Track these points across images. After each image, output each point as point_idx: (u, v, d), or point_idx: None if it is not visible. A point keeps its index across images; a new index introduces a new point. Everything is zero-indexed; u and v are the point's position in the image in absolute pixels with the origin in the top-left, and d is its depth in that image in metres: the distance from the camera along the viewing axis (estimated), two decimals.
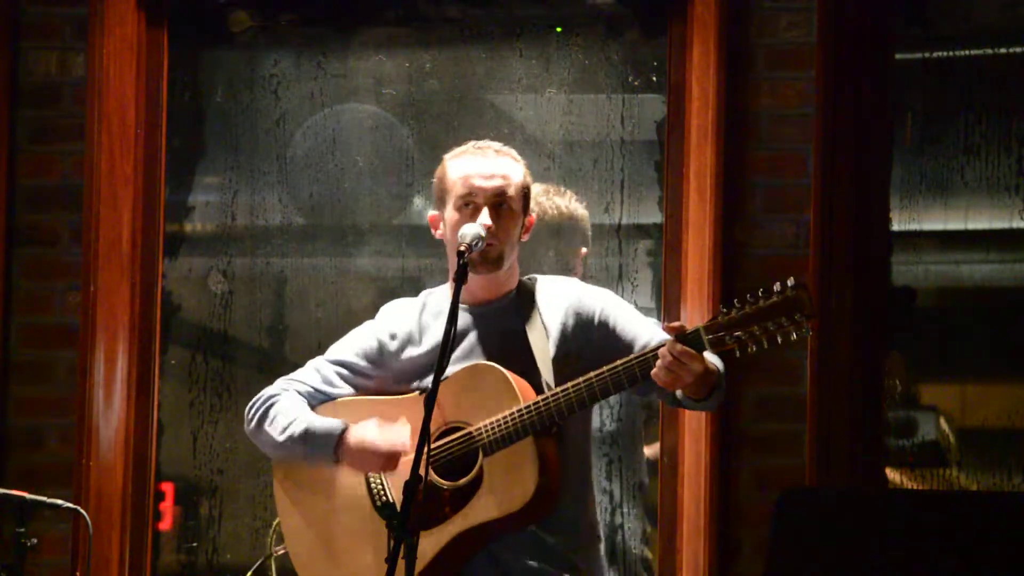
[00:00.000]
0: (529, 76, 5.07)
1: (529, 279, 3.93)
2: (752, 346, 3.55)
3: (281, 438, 3.85)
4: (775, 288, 3.54)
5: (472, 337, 3.86)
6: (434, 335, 3.87)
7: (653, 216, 4.95)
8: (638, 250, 4.99)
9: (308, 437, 3.83)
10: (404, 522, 3.38)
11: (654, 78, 4.99)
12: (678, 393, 3.72)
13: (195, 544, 5.11)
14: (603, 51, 5.03)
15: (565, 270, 4.51)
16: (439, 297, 3.95)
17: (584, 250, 4.60)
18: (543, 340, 3.81)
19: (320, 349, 4.93)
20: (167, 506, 5.08)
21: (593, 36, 5.03)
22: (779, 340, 3.54)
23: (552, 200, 4.56)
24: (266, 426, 3.88)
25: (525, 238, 3.90)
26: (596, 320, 3.84)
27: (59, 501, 4.10)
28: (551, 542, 3.78)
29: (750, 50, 4.78)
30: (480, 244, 3.75)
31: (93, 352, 4.89)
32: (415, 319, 3.91)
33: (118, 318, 4.91)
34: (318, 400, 3.92)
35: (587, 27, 5.03)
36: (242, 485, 5.10)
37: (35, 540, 4.03)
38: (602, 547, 3.93)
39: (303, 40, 5.15)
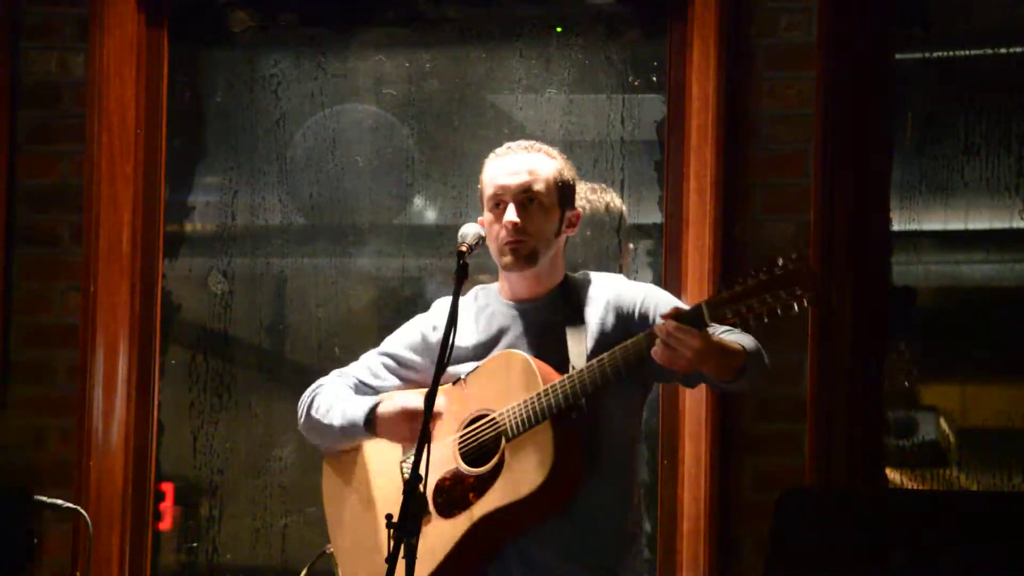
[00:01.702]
0: (529, 76, 5.07)
1: (581, 274, 3.93)
2: (751, 319, 3.54)
3: (325, 422, 3.89)
4: (777, 262, 3.54)
5: (513, 334, 3.86)
6: (478, 327, 3.88)
7: (653, 216, 4.95)
8: (638, 250, 4.99)
9: (343, 419, 3.86)
10: (404, 522, 3.38)
11: (654, 78, 4.99)
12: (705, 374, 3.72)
13: (195, 544, 5.11)
14: (603, 51, 5.03)
15: (616, 267, 4.52)
16: (489, 292, 3.95)
17: (631, 245, 4.62)
18: (580, 338, 3.81)
19: (320, 349, 4.94)
20: (167, 506, 5.08)
21: (593, 36, 5.03)
22: (779, 312, 3.53)
23: (600, 197, 4.58)
24: (312, 415, 3.94)
25: (571, 233, 3.90)
26: (636, 314, 3.83)
27: (59, 501, 4.10)
28: (591, 546, 3.76)
29: (750, 50, 4.78)
30: (481, 244, 3.77)
31: (93, 352, 4.89)
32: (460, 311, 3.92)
33: (118, 318, 4.91)
34: (364, 392, 3.95)
35: (587, 27, 5.03)
36: (242, 485, 5.10)
37: (35, 540, 4.03)
38: (644, 546, 3.91)
39: (303, 40, 5.15)
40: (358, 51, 5.14)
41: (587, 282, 3.91)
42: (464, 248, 3.71)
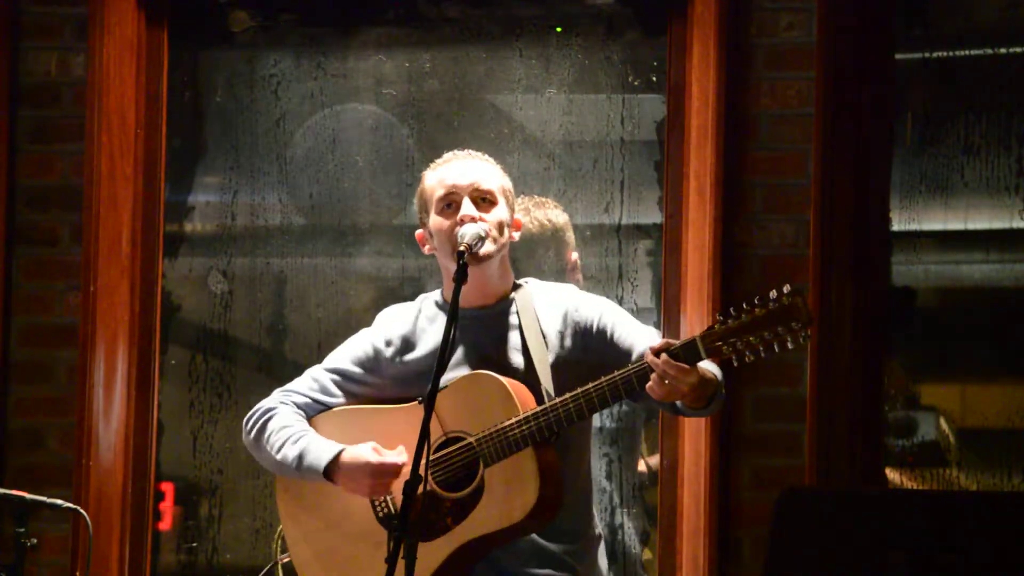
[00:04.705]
0: (529, 76, 5.07)
1: (524, 283, 3.92)
2: (749, 355, 3.53)
3: (277, 457, 3.85)
4: (771, 296, 3.51)
5: (469, 343, 3.85)
6: (430, 341, 3.87)
7: (653, 216, 4.95)
8: (638, 250, 4.99)
9: (301, 460, 3.82)
10: (403, 522, 3.38)
11: (654, 78, 4.99)
12: (677, 402, 3.72)
13: (195, 544, 5.11)
14: (603, 51, 5.03)
15: (561, 280, 4.51)
16: (434, 301, 3.95)
17: (574, 256, 4.61)
18: (541, 347, 3.80)
19: (320, 349, 4.94)
20: (167, 506, 5.08)
21: (593, 36, 5.03)
22: (776, 349, 3.52)
23: (533, 215, 4.57)
24: (263, 442, 3.88)
25: (515, 237, 3.91)
26: (594, 328, 3.83)
27: (59, 501, 4.09)
28: (554, 549, 3.78)
29: (750, 50, 4.78)
30: (480, 244, 3.75)
31: (93, 352, 4.89)
32: (411, 324, 3.91)
33: (118, 318, 4.91)
34: (315, 410, 3.91)
35: (587, 27, 5.03)
36: (242, 485, 5.10)
37: (35, 540, 4.03)
38: (602, 548, 3.93)
39: (303, 40, 5.15)
40: (358, 51, 5.14)
41: (538, 290, 3.90)
42: (464, 248, 3.70)
